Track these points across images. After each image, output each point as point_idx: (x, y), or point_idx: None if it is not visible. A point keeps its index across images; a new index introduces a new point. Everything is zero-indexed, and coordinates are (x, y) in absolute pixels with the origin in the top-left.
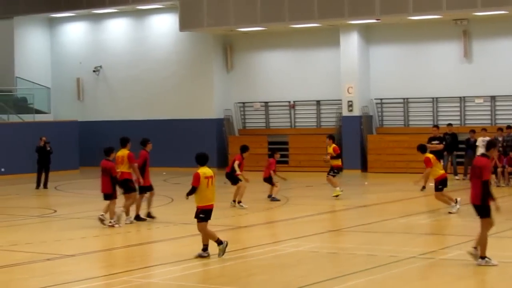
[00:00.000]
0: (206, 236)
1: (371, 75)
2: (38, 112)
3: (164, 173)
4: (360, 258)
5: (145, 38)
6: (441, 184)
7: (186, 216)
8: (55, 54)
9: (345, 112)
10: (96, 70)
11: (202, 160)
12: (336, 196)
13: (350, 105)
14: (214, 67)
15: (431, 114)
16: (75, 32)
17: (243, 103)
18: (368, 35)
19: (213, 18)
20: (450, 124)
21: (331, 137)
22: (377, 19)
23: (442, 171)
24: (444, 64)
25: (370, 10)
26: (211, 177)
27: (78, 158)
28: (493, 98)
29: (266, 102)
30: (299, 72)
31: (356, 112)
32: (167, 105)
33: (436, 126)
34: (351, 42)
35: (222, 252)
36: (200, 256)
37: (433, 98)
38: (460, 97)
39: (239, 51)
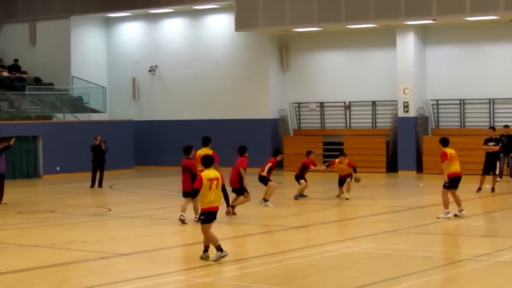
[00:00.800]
0: (207, 239)
1: (427, 76)
2: (93, 111)
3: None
4: (415, 260)
5: (200, 38)
6: (450, 182)
7: (240, 216)
8: (111, 54)
9: (401, 113)
10: (151, 70)
11: (207, 163)
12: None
13: (405, 106)
14: (270, 67)
15: (488, 116)
16: (131, 31)
17: (299, 103)
18: (425, 35)
19: (269, 18)
20: (506, 126)
21: (342, 153)
22: (433, 20)
23: (457, 170)
24: (500, 65)
25: (427, 10)
26: (216, 179)
27: (133, 157)
28: None
29: (322, 103)
30: (355, 73)
31: (412, 113)
32: (223, 105)
33: (493, 128)
34: (407, 43)
35: (218, 258)
36: (201, 258)
37: (489, 99)
38: None
39: (294, 51)
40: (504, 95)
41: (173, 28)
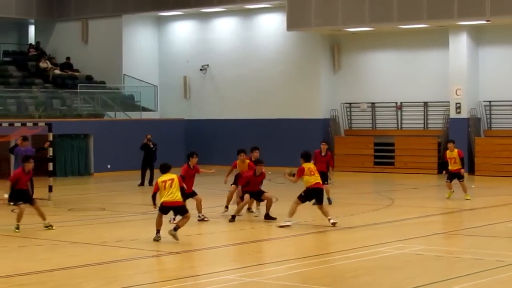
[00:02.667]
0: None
1: (479, 77)
2: (144, 109)
3: (269, 172)
4: (466, 262)
5: (252, 37)
6: None
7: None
8: (163, 52)
9: (453, 114)
10: (203, 69)
11: (163, 169)
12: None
13: (458, 107)
14: (321, 67)
15: None
16: (182, 30)
17: (350, 103)
18: (478, 36)
19: (321, 18)
20: None
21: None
22: (487, 20)
23: None
24: None
25: (480, 11)
26: (170, 180)
27: (184, 156)
28: None
29: (373, 103)
30: (407, 73)
31: (464, 114)
32: (273, 104)
33: None
34: (460, 43)
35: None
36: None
37: None
38: None
39: (346, 51)
40: None
41: (225, 27)
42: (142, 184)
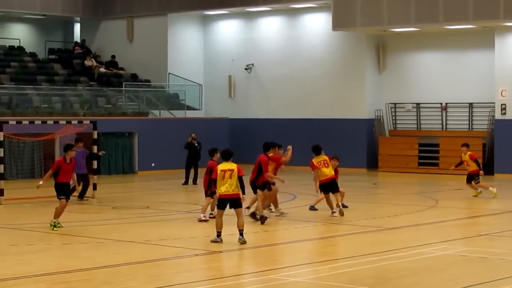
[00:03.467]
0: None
1: None
2: (189, 108)
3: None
4: (510, 264)
5: (297, 37)
6: None
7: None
8: (208, 51)
9: (498, 115)
10: (248, 68)
11: (225, 156)
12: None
13: (503, 108)
14: (366, 67)
15: None
16: (228, 29)
17: (395, 103)
18: None
19: (367, 18)
20: None
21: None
22: None
23: None
24: None
25: None
26: (231, 170)
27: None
28: None
29: (418, 103)
30: (452, 74)
31: (510, 115)
32: (318, 104)
33: None
34: (506, 44)
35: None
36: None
37: None
38: None
39: (391, 51)
40: None
41: (270, 27)
42: (186, 183)
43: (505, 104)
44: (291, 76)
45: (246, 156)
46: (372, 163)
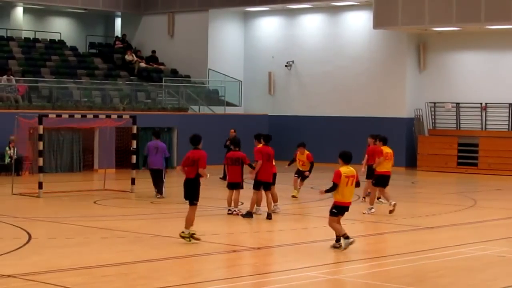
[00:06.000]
0: (335, 229)
1: None
2: (229, 104)
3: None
4: None
5: (338, 35)
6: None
7: (370, 215)
8: (248, 48)
9: None
10: (288, 65)
11: (346, 159)
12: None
13: None
14: (407, 66)
15: None
16: (268, 26)
17: (434, 103)
18: None
19: (408, 17)
20: None
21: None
22: None
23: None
24: None
25: None
26: (352, 176)
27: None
28: None
29: (458, 103)
30: (492, 74)
31: None
32: (358, 102)
33: None
34: None
35: (346, 246)
36: (333, 247)
37: None
38: None
39: (432, 51)
40: None
41: (311, 24)
42: (225, 178)
43: None
44: (331, 73)
45: (284, 153)
46: (411, 162)
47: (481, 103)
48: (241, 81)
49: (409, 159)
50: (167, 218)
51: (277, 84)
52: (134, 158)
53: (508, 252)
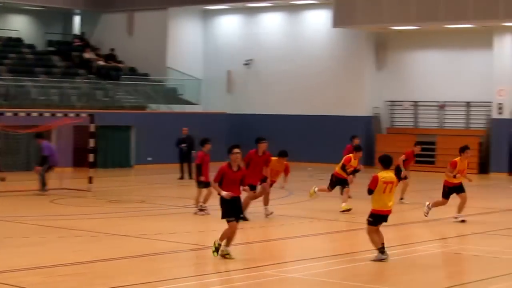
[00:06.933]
0: (372, 240)
1: None
2: (187, 103)
3: (310, 168)
4: (505, 262)
5: (298, 33)
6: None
7: (331, 212)
8: (208, 46)
9: (495, 115)
10: (247, 64)
11: (386, 163)
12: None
13: (500, 108)
14: (366, 65)
15: None
16: (228, 24)
17: (393, 101)
18: None
19: (367, 16)
20: None
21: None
22: None
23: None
24: None
25: None
26: (391, 182)
27: (226, 150)
28: None
29: (416, 102)
30: (450, 73)
31: (506, 115)
32: (317, 101)
33: None
34: (504, 44)
35: (376, 259)
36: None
37: None
38: None
39: (391, 49)
40: None
41: (271, 23)
42: (182, 177)
43: (502, 104)
44: (290, 72)
45: (245, 151)
46: (369, 161)
47: (438, 102)
48: (201, 80)
49: (367, 157)
50: (124, 217)
51: (237, 82)
52: (91, 157)
53: (464, 250)
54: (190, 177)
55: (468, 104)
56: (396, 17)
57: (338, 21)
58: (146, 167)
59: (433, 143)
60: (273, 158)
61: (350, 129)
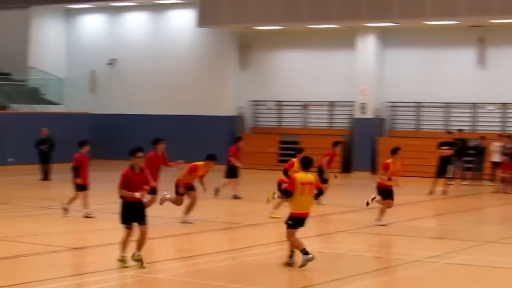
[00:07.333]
0: (292, 244)
1: (385, 78)
2: (50, 103)
3: (173, 169)
4: (366, 260)
5: (162, 33)
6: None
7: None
8: (71, 45)
9: (358, 114)
10: (110, 63)
11: (306, 165)
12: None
13: (363, 107)
14: (230, 64)
15: (443, 119)
16: (92, 24)
17: (257, 101)
18: (385, 38)
19: (231, 16)
20: (460, 130)
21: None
22: (394, 23)
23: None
24: (458, 70)
25: (388, 13)
26: (310, 184)
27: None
28: (504, 105)
29: (280, 101)
30: (314, 73)
31: (369, 114)
32: (182, 100)
33: (449, 132)
34: (367, 45)
35: (303, 263)
36: (287, 264)
37: (445, 103)
38: (472, 103)
39: (255, 49)
40: (460, 99)
41: (135, 22)
42: (44, 179)
43: (365, 103)
44: (155, 72)
45: (107, 152)
46: None
47: (302, 101)
48: (63, 79)
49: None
50: None
51: (100, 82)
52: None
53: (327, 248)
54: (46, 178)
55: (331, 104)
56: (260, 17)
57: (202, 21)
58: (7, 168)
59: (296, 143)
60: (200, 162)
61: (214, 128)
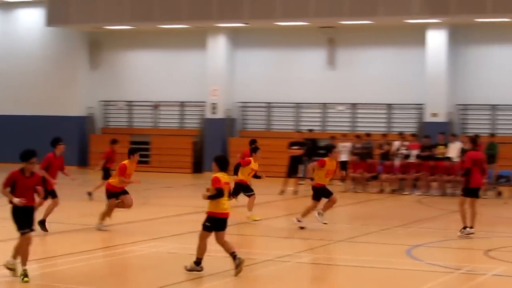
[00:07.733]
0: (200, 247)
1: (236, 79)
2: None
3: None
4: (219, 260)
5: (10, 32)
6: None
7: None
8: None
9: (209, 114)
10: None
11: (223, 165)
12: None
13: (214, 108)
14: (80, 64)
15: (294, 120)
16: None
17: (108, 101)
18: (236, 38)
19: (81, 15)
20: (311, 130)
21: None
22: (245, 23)
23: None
24: (308, 70)
25: (238, 13)
26: (228, 184)
27: None
28: (354, 105)
29: (131, 101)
30: (165, 73)
31: (220, 114)
32: (31, 101)
33: (299, 132)
34: (218, 45)
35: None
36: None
37: (296, 103)
38: (322, 104)
39: (106, 49)
40: (310, 100)
41: None
42: None
43: (215, 104)
44: (2, 71)
45: None
46: (83, 161)
47: (153, 102)
48: None
49: (81, 158)
50: None
51: None
52: None
53: (179, 249)
54: None
55: (182, 104)
56: (110, 16)
57: (51, 20)
58: None
59: (147, 143)
60: (126, 161)
61: (63, 129)
